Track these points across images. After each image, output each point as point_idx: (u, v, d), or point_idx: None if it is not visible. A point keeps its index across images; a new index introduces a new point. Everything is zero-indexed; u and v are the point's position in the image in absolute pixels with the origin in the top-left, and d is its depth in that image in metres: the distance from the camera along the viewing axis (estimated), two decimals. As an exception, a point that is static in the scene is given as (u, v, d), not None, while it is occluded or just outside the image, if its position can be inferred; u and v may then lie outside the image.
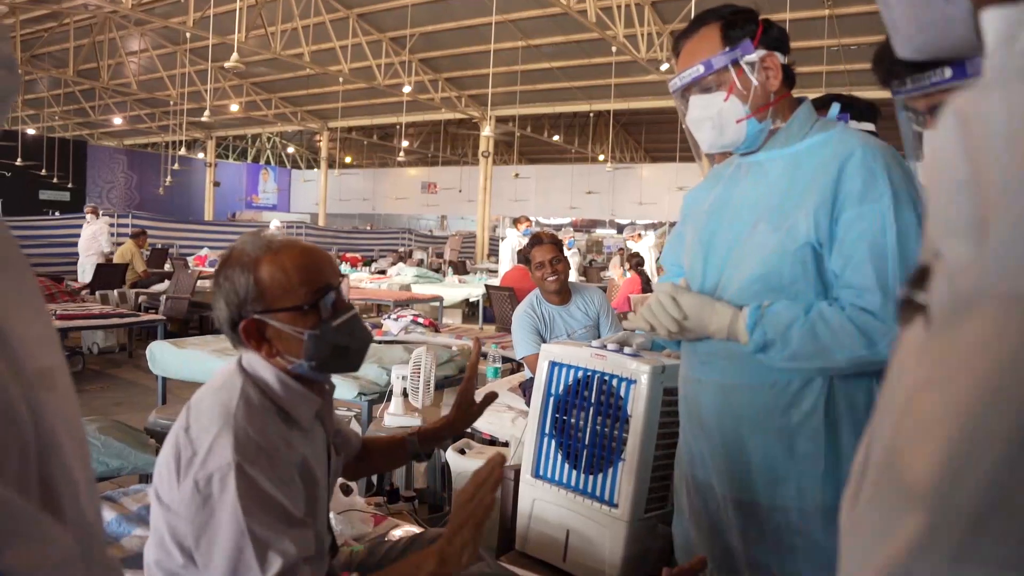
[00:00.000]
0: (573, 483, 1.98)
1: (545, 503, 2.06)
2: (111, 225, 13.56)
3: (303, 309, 1.26)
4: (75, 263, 11.06)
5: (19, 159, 18.37)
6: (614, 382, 1.91)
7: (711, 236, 1.53)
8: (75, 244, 13.12)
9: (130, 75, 17.81)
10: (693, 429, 1.58)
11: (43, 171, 19.97)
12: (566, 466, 2.01)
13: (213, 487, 1.12)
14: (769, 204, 1.44)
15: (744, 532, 1.49)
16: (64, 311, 6.36)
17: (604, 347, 1.97)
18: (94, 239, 10.05)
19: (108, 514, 1.96)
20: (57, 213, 17.50)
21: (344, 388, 3.86)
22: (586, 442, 1.96)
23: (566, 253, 10.51)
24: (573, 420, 1.99)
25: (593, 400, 1.95)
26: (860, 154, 1.36)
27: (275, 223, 12.28)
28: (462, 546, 1.18)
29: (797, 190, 1.41)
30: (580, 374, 1.99)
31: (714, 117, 1.44)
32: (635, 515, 1.86)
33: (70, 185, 21.06)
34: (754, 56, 1.42)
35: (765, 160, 1.49)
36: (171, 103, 19.45)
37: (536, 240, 3.33)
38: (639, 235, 11.69)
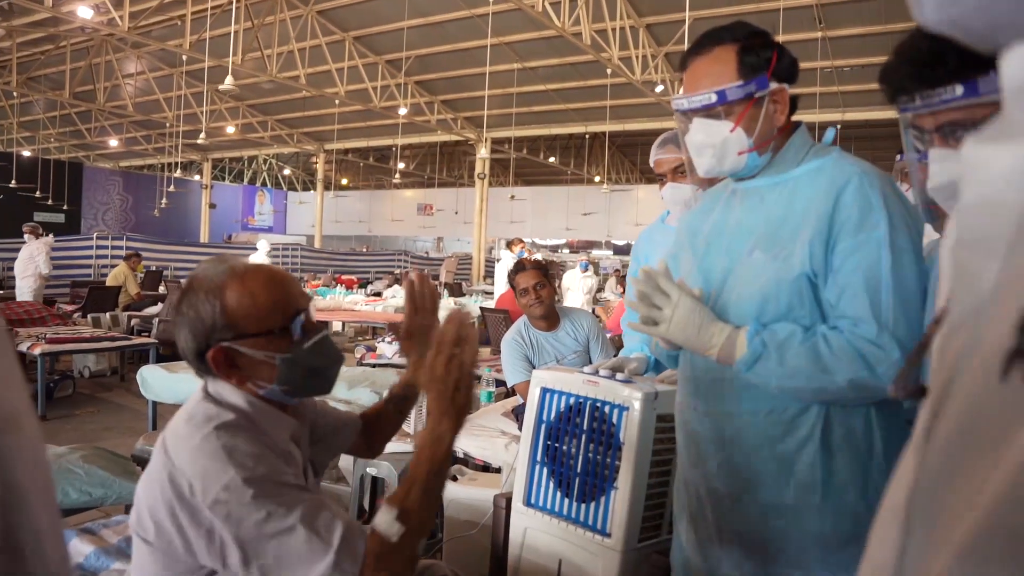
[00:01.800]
0: (565, 511, 1.94)
1: (537, 532, 2.01)
2: (102, 247, 13.53)
3: (274, 333, 1.23)
4: (67, 285, 11.01)
5: (14, 181, 18.34)
6: (607, 409, 1.87)
7: (708, 262, 1.50)
8: (71, 266, 13.08)
9: (126, 97, 17.85)
10: (690, 455, 1.55)
11: (38, 193, 19.95)
12: (558, 494, 1.96)
13: (228, 504, 1.08)
14: (765, 231, 1.42)
15: (741, 563, 1.45)
16: (55, 335, 6.32)
17: (596, 373, 1.94)
18: (31, 260, 9.61)
19: (86, 548, 1.91)
20: (51, 236, 17.45)
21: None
22: (578, 470, 1.92)
23: (580, 276, 10.42)
24: (565, 447, 1.95)
25: (585, 427, 1.91)
26: (856, 182, 1.34)
27: (262, 244, 12.17)
28: (455, 389, 1.20)
29: (793, 219, 1.39)
30: (572, 400, 1.95)
31: (717, 145, 1.42)
32: (628, 544, 1.82)
33: (65, 207, 21.04)
34: (767, 91, 1.39)
35: (762, 187, 1.47)
36: (167, 125, 19.50)
37: (519, 267, 3.29)
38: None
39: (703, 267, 1.51)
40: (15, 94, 18.43)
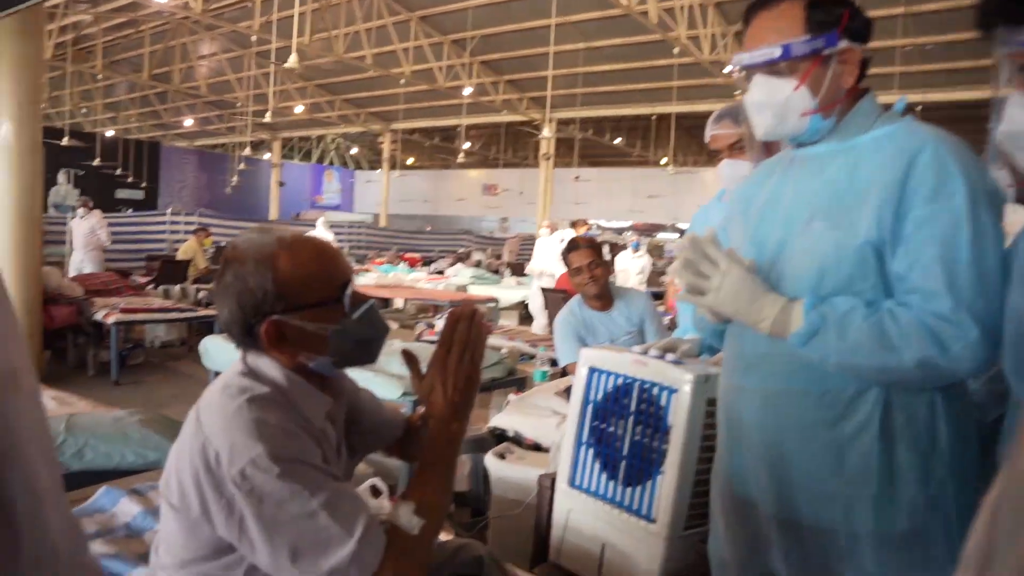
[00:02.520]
0: (610, 495, 1.90)
1: (581, 514, 1.98)
2: (174, 223, 13.92)
3: (327, 305, 1.20)
4: (143, 259, 11.38)
5: (97, 159, 19.03)
6: (655, 390, 1.82)
7: (762, 234, 1.41)
8: (147, 240, 13.53)
9: (200, 78, 18.32)
10: (732, 441, 1.47)
11: (119, 171, 20.66)
12: (603, 476, 1.92)
13: (252, 479, 1.06)
14: (826, 200, 1.32)
15: (786, 555, 1.38)
16: (128, 305, 6.54)
17: (645, 353, 1.88)
18: (92, 233, 9.74)
19: (134, 508, 1.96)
20: (131, 211, 18.07)
21: (388, 388, 3.84)
22: (625, 452, 1.87)
23: (633, 256, 10.26)
24: (612, 429, 1.91)
25: (633, 409, 1.86)
26: (932, 149, 1.23)
27: (320, 221, 12.33)
28: (466, 388, 1.22)
29: (858, 186, 1.28)
30: (620, 381, 1.90)
31: (778, 105, 1.32)
32: (674, 531, 1.77)
33: (144, 184, 21.74)
34: (836, 48, 1.29)
35: (823, 153, 1.36)
36: (238, 105, 19.93)
37: (572, 245, 3.22)
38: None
39: (756, 238, 1.42)
40: (99, 77, 19.13)
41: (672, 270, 1.41)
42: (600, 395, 1.94)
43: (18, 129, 5.77)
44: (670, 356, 1.86)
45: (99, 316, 6.29)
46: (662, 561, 1.78)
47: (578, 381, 1.99)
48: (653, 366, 1.84)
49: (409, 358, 1.29)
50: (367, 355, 1.28)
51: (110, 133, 21.82)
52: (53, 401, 3.21)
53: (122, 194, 21.14)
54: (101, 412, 2.91)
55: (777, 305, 1.29)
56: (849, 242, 1.26)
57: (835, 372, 1.27)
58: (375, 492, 2.20)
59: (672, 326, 4.36)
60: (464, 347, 1.21)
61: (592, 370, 1.96)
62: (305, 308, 1.19)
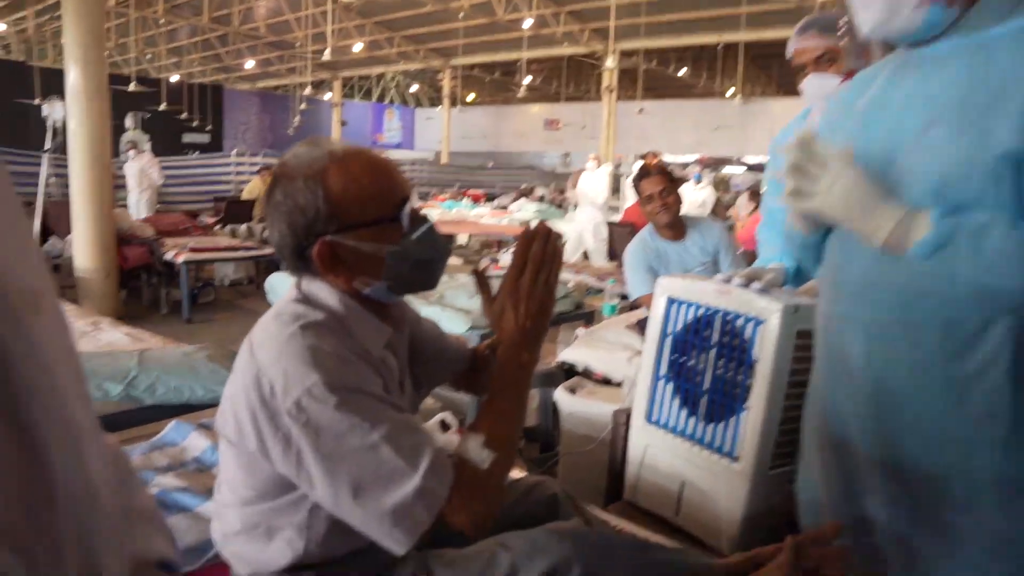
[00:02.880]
0: (690, 431, 1.80)
1: (658, 451, 1.89)
2: (238, 164, 14.07)
3: (383, 223, 1.11)
4: (210, 200, 11.55)
5: (164, 104, 19.32)
6: (739, 322, 1.69)
7: (866, 143, 1.22)
8: (213, 181, 13.73)
9: (259, 19, 18.26)
10: (833, 375, 1.34)
11: (184, 115, 20.97)
12: (683, 412, 1.82)
13: (308, 410, 0.99)
14: (948, 102, 1.12)
15: (890, 503, 1.25)
16: (196, 245, 6.66)
17: (729, 282, 1.76)
18: (143, 174, 9.65)
19: (204, 442, 1.96)
20: (197, 153, 18.38)
21: (454, 322, 3.80)
22: (706, 387, 1.77)
23: (694, 188, 9.93)
24: (692, 362, 1.80)
25: (715, 341, 1.75)
26: None
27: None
28: (539, 313, 1.12)
29: (993, 85, 1.08)
30: (701, 312, 1.78)
31: None
32: (758, 470, 1.67)
33: (209, 128, 22.04)
34: None
35: (944, 52, 1.16)
36: (297, 45, 19.88)
37: (643, 172, 3.07)
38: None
39: (860, 149, 1.26)
40: (161, 22, 19.26)
41: (769, 175, 1.26)
42: (679, 327, 1.83)
43: (84, 73, 5.87)
44: (755, 285, 1.73)
45: (169, 256, 6.42)
46: (745, 500, 1.68)
47: (655, 312, 1.88)
48: (737, 296, 1.71)
49: (480, 280, 1.19)
50: (426, 279, 1.19)
51: (175, 78, 22.08)
52: (126, 337, 3.26)
53: (188, 138, 21.46)
54: (171, 348, 2.93)
55: (896, 213, 1.13)
56: (980, 153, 1.07)
57: (962, 297, 1.11)
58: (444, 427, 2.15)
59: (751, 260, 4.17)
60: (538, 269, 1.10)
61: (671, 300, 1.85)
62: (360, 227, 1.10)
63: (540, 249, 1.10)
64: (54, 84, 6.10)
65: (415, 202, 1.18)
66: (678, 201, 3.05)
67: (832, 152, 1.17)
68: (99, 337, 3.28)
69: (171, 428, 2.05)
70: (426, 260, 1.15)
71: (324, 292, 1.14)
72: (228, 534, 1.17)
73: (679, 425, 1.83)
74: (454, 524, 1.03)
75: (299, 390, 1.00)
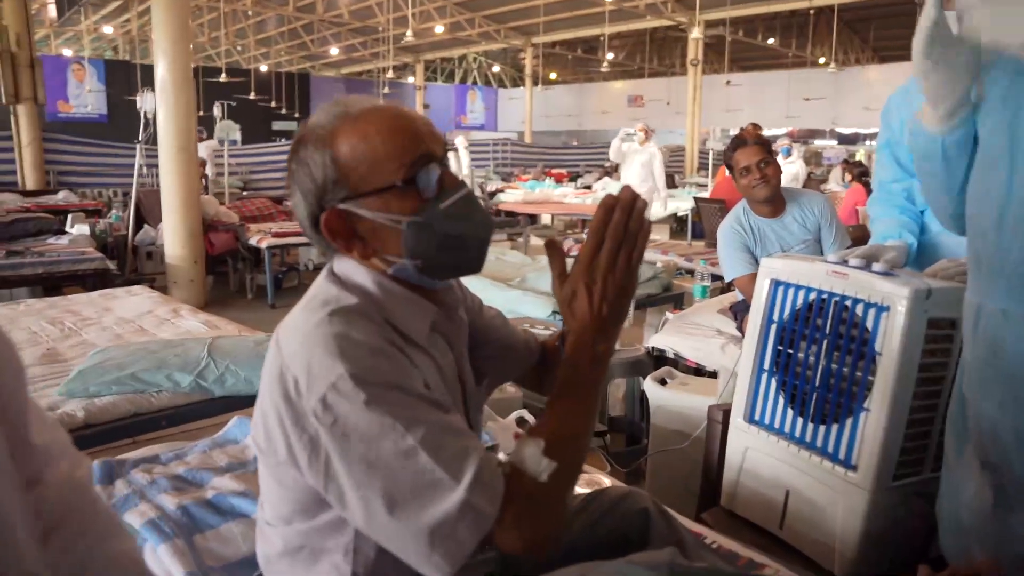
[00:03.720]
0: (797, 434, 1.58)
1: (760, 454, 1.67)
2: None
3: (398, 188, 0.94)
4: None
5: (252, 93, 19.82)
6: (858, 308, 1.46)
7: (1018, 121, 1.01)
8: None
9: (342, 6, 18.46)
10: (984, 377, 1.11)
11: (273, 103, 21.48)
12: (789, 412, 1.60)
13: (335, 409, 0.84)
14: None
15: None
16: (280, 229, 6.70)
17: (845, 262, 1.52)
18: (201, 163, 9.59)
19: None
20: (283, 140, 18.80)
21: (536, 306, 3.64)
22: (817, 383, 1.54)
23: (784, 162, 9.26)
24: (800, 355, 1.57)
25: (828, 331, 1.52)
26: None
27: (459, 139, 12.06)
28: (618, 295, 0.92)
29: None
30: (812, 297, 1.55)
31: None
32: (880, 482, 1.44)
33: (297, 115, 22.52)
34: None
35: None
36: (380, 30, 20.02)
37: (739, 141, 2.79)
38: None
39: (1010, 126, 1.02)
40: (250, 13, 19.74)
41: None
42: (786, 313, 1.60)
43: (171, 65, 6.03)
44: (877, 266, 1.49)
45: (253, 241, 6.48)
46: (864, 516, 1.45)
47: (758, 297, 1.66)
48: (855, 278, 1.48)
49: (553, 250, 0.98)
50: (460, 258, 1.00)
51: (264, 68, 22.64)
52: (203, 325, 3.23)
53: (278, 125, 22.00)
54: (242, 336, 2.87)
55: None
56: None
57: None
58: (521, 423, 1.99)
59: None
60: (619, 243, 0.90)
61: (776, 283, 1.62)
62: (372, 194, 0.94)
63: (622, 219, 0.89)
64: (150, 79, 6.25)
65: (463, 169, 0.99)
66: (777, 172, 2.78)
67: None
68: (178, 324, 3.27)
69: (233, 424, 1.96)
70: (456, 236, 0.97)
71: (357, 272, 0.99)
72: (271, 556, 1.03)
73: (784, 426, 1.61)
74: (504, 547, 0.86)
75: (324, 385, 0.85)
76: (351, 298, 0.95)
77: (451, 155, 1.09)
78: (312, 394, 0.85)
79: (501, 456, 1.83)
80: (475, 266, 1.02)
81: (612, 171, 15.64)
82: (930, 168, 1.24)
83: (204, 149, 9.63)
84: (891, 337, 1.40)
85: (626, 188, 0.90)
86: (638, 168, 8.16)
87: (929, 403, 1.45)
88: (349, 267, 1.00)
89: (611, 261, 0.90)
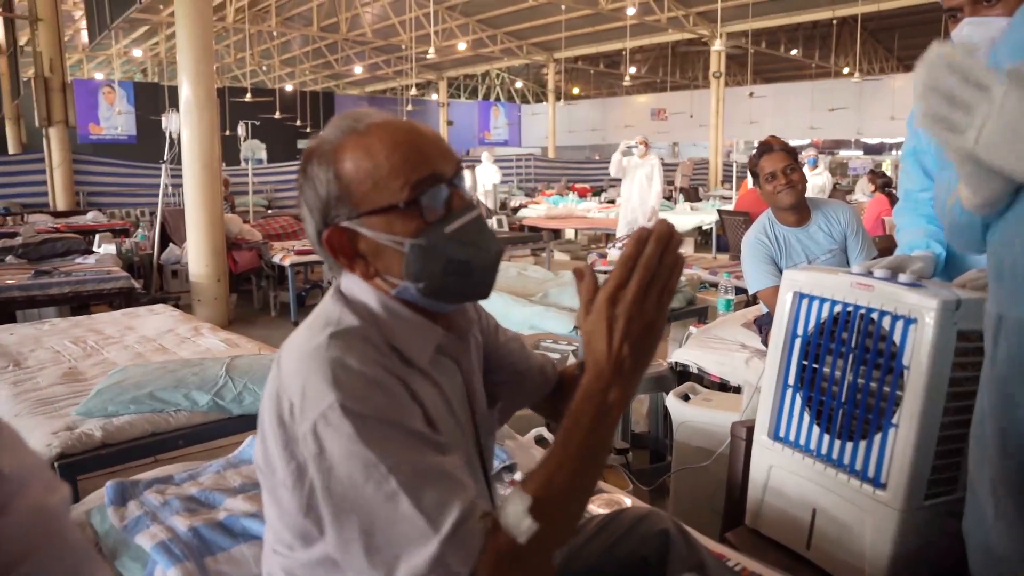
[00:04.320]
0: (824, 451, 1.53)
1: (785, 472, 1.62)
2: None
3: (400, 208, 0.90)
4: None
5: (277, 112, 20.08)
6: (884, 321, 1.41)
7: None
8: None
9: (365, 25, 18.68)
10: (1011, 394, 1.05)
11: (298, 122, 21.74)
12: (815, 428, 1.55)
13: (322, 439, 0.81)
14: None
15: None
16: (303, 247, 6.73)
17: (870, 273, 1.47)
18: None
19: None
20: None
21: (558, 321, 3.60)
22: (843, 399, 1.49)
23: (810, 173, 9.08)
24: (826, 370, 1.52)
25: (854, 344, 1.47)
26: None
27: (485, 155, 12.06)
28: (643, 334, 0.79)
29: None
30: (836, 309, 1.50)
31: None
32: (911, 502, 1.38)
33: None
34: None
35: None
36: (403, 48, 20.21)
37: (765, 148, 2.75)
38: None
39: None
40: (275, 34, 20.07)
41: (919, 90, 0.94)
42: (810, 327, 1.55)
43: (195, 86, 6.11)
44: (903, 277, 1.44)
45: (277, 259, 6.52)
46: (894, 537, 1.40)
47: (781, 310, 1.61)
48: (881, 290, 1.43)
49: (582, 277, 0.83)
50: (465, 284, 0.95)
51: (289, 87, 22.94)
52: (223, 343, 3.23)
53: (303, 144, 22.21)
54: (261, 355, 2.86)
55: None
56: None
57: None
58: (539, 442, 1.95)
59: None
60: (649, 279, 0.78)
61: (799, 296, 1.58)
62: (374, 213, 0.91)
63: (655, 253, 0.79)
64: (177, 100, 6.35)
65: (477, 187, 0.95)
66: (803, 180, 2.72)
67: (992, 73, 0.87)
68: (198, 343, 3.27)
69: (248, 443, 1.94)
70: (462, 261, 0.92)
71: (363, 290, 0.96)
72: None
73: (810, 443, 1.56)
74: None
75: (315, 413, 0.82)
76: (353, 320, 0.92)
77: (467, 172, 1.01)
78: (304, 421, 0.82)
79: (518, 475, 1.79)
80: (481, 292, 0.98)
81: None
82: (965, 240, 1.17)
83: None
84: (919, 350, 1.35)
85: (662, 221, 0.81)
86: (642, 181, 7.99)
87: (961, 419, 1.39)
88: (355, 285, 0.97)
89: (639, 295, 0.79)
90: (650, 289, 0.79)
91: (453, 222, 0.92)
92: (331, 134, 0.94)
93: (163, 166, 7.16)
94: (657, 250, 0.79)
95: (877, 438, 1.42)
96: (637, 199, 8.05)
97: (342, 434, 0.80)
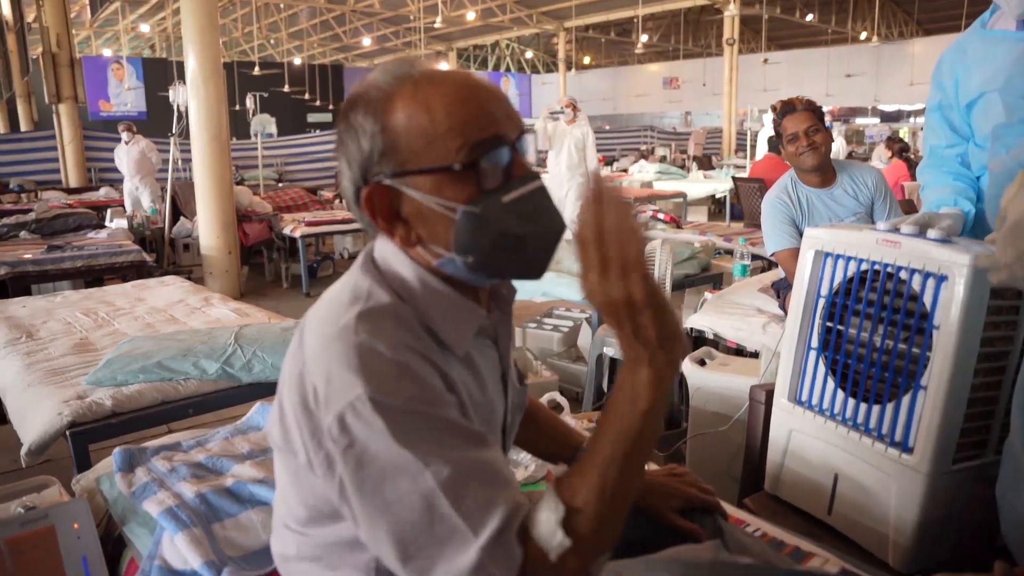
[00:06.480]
0: (847, 415, 1.48)
1: (806, 437, 1.58)
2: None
3: (455, 170, 0.79)
4: (332, 176, 11.74)
5: (286, 86, 19.97)
6: (913, 279, 1.35)
7: None
8: (333, 158, 14.03)
9: (373, -6, 18.52)
10: None
11: (307, 95, 21.62)
12: (838, 391, 1.50)
13: (352, 433, 0.73)
14: None
15: None
16: (314, 218, 6.70)
17: (896, 230, 1.41)
18: (144, 158, 8.42)
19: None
20: (317, 132, 18.93)
21: (571, 288, 3.54)
22: (867, 360, 1.44)
23: None
24: (851, 331, 1.47)
25: (880, 304, 1.41)
26: None
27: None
28: (656, 312, 0.72)
29: None
30: (861, 267, 1.45)
31: None
32: (939, 465, 1.33)
33: (331, 107, 22.63)
34: None
35: None
36: (412, 19, 19.99)
37: (788, 107, 2.66)
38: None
39: None
40: (282, 6, 19.87)
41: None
42: (833, 286, 1.50)
43: (200, 57, 6.05)
44: (932, 233, 1.38)
45: (287, 231, 6.49)
46: (921, 503, 1.35)
47: (802, 270, 1.56)
48: (908, 246, 1.37)
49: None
50: (518, 261, 0.83)
51: (297, 61, 22.79)
52: (233, 313, 3.20)
53: (313, 118, 22.11)
54: (270, 323, 2.83)
55: None
56: None
57: None
58: (554, 408, 1.91)
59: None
60: (600, 254, 0.72)
61: (823, 255, 1.52)
62: (421, 172, 0.80)
63: (593, 224, 0.72)
64: (183, 74, 6.30)
65: (530, 153, 0.85)
66: (827, 140, 2.64)
67: None
68: (208, 313, 3.25)
69: (256, 410, 1.91)
70: (517, 236, 0.81)
71: (399, 260, 0.85)
72: (288, 557, 0.96)
73: (833, 407, 1.51)
74: None
75: (342, 403, 0.74)
76: (384, 296, 0.82)
77: (530, 137, 0.90)
78: (329, 410, 0.75)
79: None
80: (535, 272, 0.85)
81: (648, 153, 15.41)
82: None
83: (150, 143, 8.71)
84: (949, 309, 1.29)
85: (594, 177, 0.74)
86: (570, 150, 6.90)
87: (993, 380, 1.35)
88: (390, 253, 0.86)
89: (601, 275, 0.72)
90: (608, 265, 0.72)
91: (512, 192, 0.81)
92: (382, 78, 0.83)
93: (172, 139, 7.12)
94: (595, 222, 0.72)
95: (904, 400, 1.37)
96: (565, 172, 6.91)
97: (373, 428, 0.72)
